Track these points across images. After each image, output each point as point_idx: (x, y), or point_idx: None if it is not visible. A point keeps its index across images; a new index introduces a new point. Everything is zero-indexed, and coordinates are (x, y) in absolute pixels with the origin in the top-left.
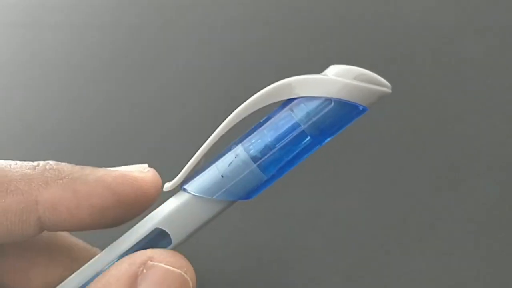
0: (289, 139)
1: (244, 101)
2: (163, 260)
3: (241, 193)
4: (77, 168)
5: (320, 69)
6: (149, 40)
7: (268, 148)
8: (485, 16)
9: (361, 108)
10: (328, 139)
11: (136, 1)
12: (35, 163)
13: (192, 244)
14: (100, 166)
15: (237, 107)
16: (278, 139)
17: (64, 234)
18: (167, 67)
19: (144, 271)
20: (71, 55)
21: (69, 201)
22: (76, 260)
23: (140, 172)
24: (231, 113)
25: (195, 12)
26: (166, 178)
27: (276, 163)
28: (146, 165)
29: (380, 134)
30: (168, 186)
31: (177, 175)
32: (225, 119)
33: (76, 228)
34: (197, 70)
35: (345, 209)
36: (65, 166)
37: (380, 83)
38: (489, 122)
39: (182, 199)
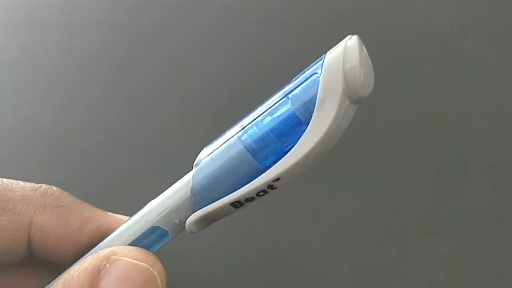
0: (286, 128)
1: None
2: (126, 255)
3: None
4: (76, 201)
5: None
6: (149, 40)
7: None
8: (486, 16)
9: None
10: None
11: (137, 1)
12: (38, 185)
13: (192, 244)
14: (100, 166)
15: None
16: (275, 129)
17: None
18: (168, 67)
19: (107, 265)
20: (71, 55)
21: (59, 231)
22: None
23: None
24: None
25: (195, 12)
26: (166, 180)
27: (274, 154)
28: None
29: (381, 134)
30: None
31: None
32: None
33: (57, 259)
34: (197, 70)
35: (345, 209)
36: (66, 197)
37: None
38: (489, 122)
39: (180, 194)
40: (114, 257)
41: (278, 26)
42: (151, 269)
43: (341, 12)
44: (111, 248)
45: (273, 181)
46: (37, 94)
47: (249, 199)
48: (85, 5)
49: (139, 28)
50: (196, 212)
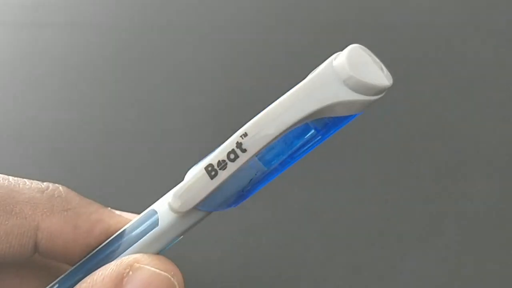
0: (293, 132)
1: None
2: (150, 263)
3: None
4: (84, 202)
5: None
6: (150, 40)
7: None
8: (487, 16)
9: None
10: (333, 133)
11: (137, 1)
12: (45, 185)
13: (192, 244)
14: (100, 165)
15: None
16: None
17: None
18: (168, 67)
19: (131, 273)
20: (71, 55)
21: (67, 235)
22: None
23: None
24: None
25: (195, 11)
26: (167, 180)
27: (279, 156)
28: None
29: (382, 134)
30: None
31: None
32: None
33: (66, 260)
34: (197, 70)
35: (345, 209)
36: (73, 197)
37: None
38: (491, 122)
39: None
40: (137, 265)
41: (279, 26)
42: (172, 279)
43: (342, 11)
44: (135, 256)
45: (241, 136)
46: (38, 94)
47: (221, 162)
48: (85, 5)
49: (140, 28)
50: (177, 187)
